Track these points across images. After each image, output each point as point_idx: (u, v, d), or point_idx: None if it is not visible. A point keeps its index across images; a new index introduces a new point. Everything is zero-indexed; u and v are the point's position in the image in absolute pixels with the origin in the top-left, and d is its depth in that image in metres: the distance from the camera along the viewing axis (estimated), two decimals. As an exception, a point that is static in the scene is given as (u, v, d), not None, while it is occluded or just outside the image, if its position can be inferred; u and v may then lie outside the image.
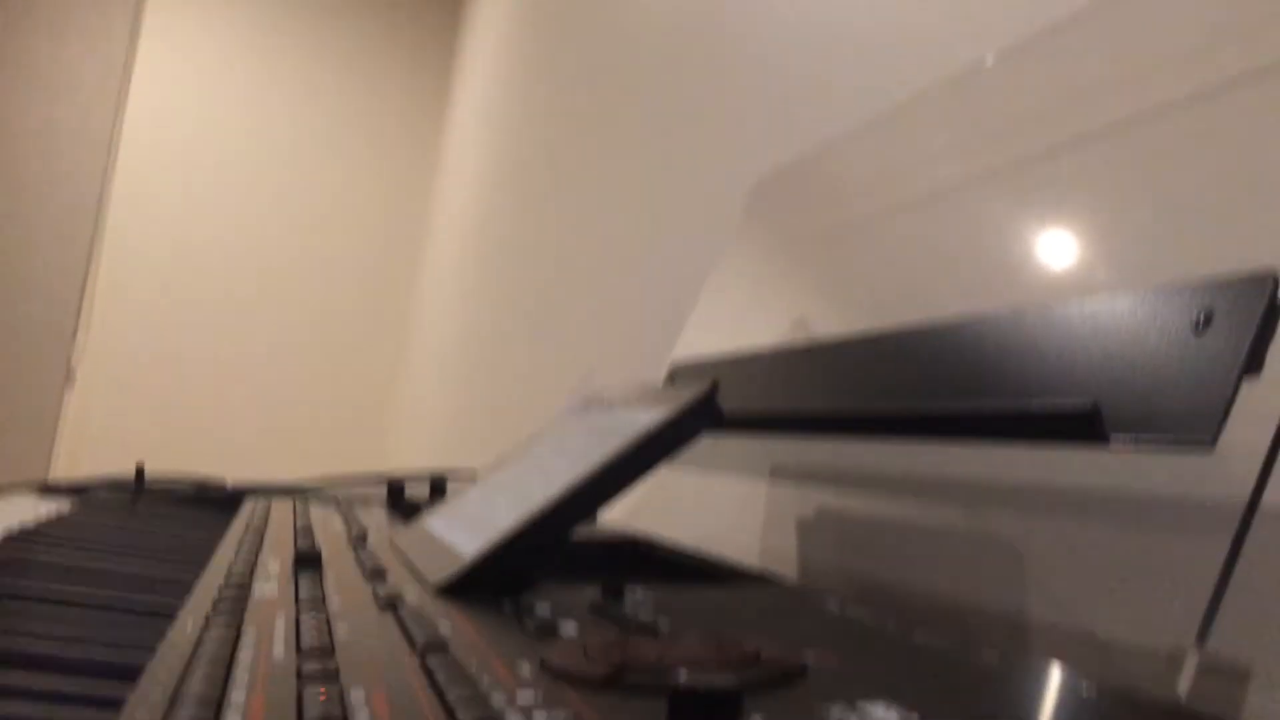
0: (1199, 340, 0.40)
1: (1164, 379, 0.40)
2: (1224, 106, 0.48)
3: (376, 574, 0.53)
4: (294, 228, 3.88)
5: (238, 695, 0.30)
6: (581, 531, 0.60)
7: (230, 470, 1.17)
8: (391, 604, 0.45)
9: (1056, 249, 0.58)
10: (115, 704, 0.29)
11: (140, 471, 1.09)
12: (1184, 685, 0.34)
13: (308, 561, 0.55)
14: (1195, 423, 0.38)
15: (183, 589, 0.51)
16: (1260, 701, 0.41)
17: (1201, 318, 0.40)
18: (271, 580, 0.51)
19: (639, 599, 0.49)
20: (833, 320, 0.77)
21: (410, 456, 3.19)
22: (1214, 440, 0.37)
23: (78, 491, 1.04)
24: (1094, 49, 0.58)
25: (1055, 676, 0.35)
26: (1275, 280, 0.38)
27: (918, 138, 0.73)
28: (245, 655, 0.35)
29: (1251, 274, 0.39)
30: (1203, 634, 0.35)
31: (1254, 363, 0.37)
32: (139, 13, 3.61)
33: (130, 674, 0.33)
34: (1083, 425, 0.42)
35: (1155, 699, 0.32)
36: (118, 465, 1.13)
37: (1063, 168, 0.57)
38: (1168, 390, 0.40)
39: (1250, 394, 0.37)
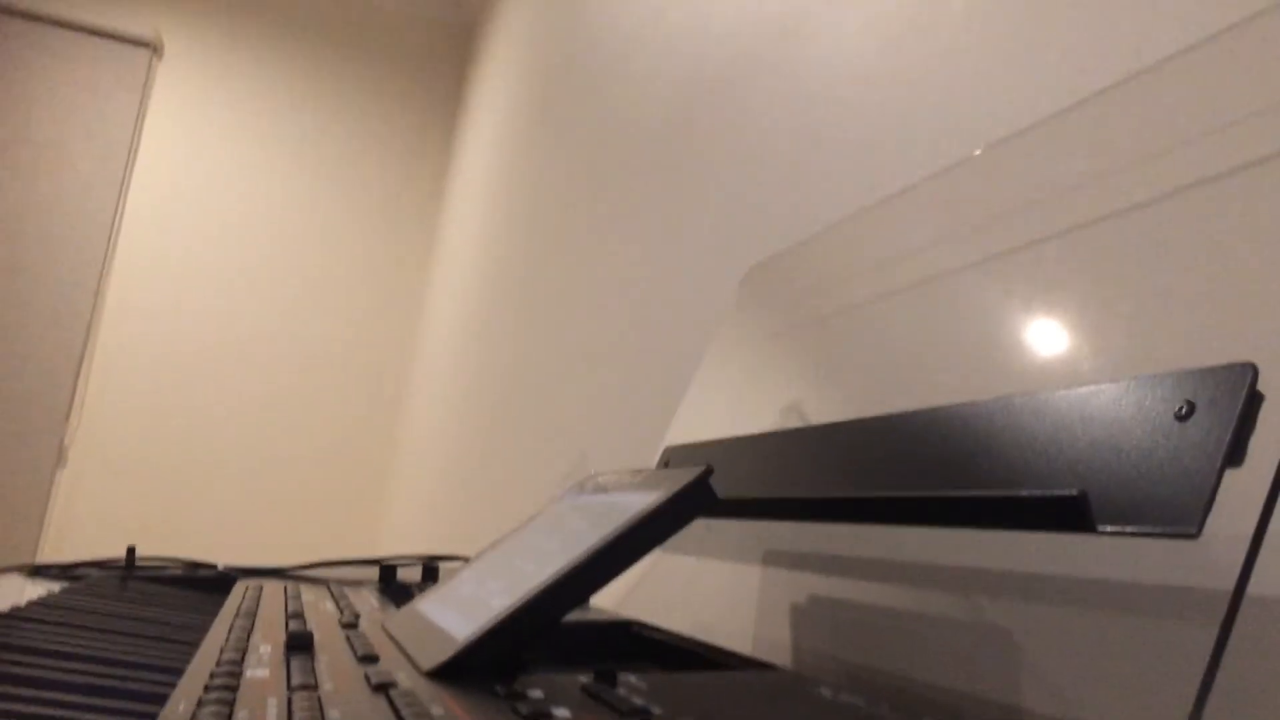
0: (1182, 430, 0.41)
1: (1149, 468, 0.41)
2: (1206, 199, 0.50)
3: (368, 657, 0.53)
4: (289, 311, 3.90)
5: (230, 779, 0.30)
6: (574, 616, 0.60)
7: (221, 554, 1.16)
8: (384, 687, 0.45)
9: (1043, 337, 0.59)
10: (107, 787, 0.29)
11: (131, 553, 1.09)
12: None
13: (300, 644, 0.55)
14: (1180, 512, 0.39)
15: (174, 671, 0.51)
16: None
17: (1184, 408, 0.41)
18: (264, 663, 0.51)
19: (633, 685, 0.49)
20: (825, 405, 0.78)
21: (402, 542, 3.17)
22: (1199, 529, 0.37)
23: (68, 572, 1.04)
24: (1079, 143, 0.60)
25: (1047, 765, 0.35)
26: (1254, 372, 0.39)
27: (908, 226, 0.74)
28: (238, 739, 0.35)
29: (1230, 365, 0.40)
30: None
31: (1237, 452, 0.38)
32: (145, 100, 3.68)
33: (122, 757, 0.33)
34: (1070, 513, 0.43)
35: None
36: (107, 547, 1.13)
37: (1049, 257, 0.59)
38: (1153, 479, 0.40)
39: (1233, 482, 0.38)
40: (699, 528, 0.65)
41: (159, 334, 3.72)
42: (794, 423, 0.79)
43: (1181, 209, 0.51)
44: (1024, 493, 0.46)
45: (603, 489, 0.68)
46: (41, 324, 3.48)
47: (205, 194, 3.85)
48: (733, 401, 0.94)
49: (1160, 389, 0.43)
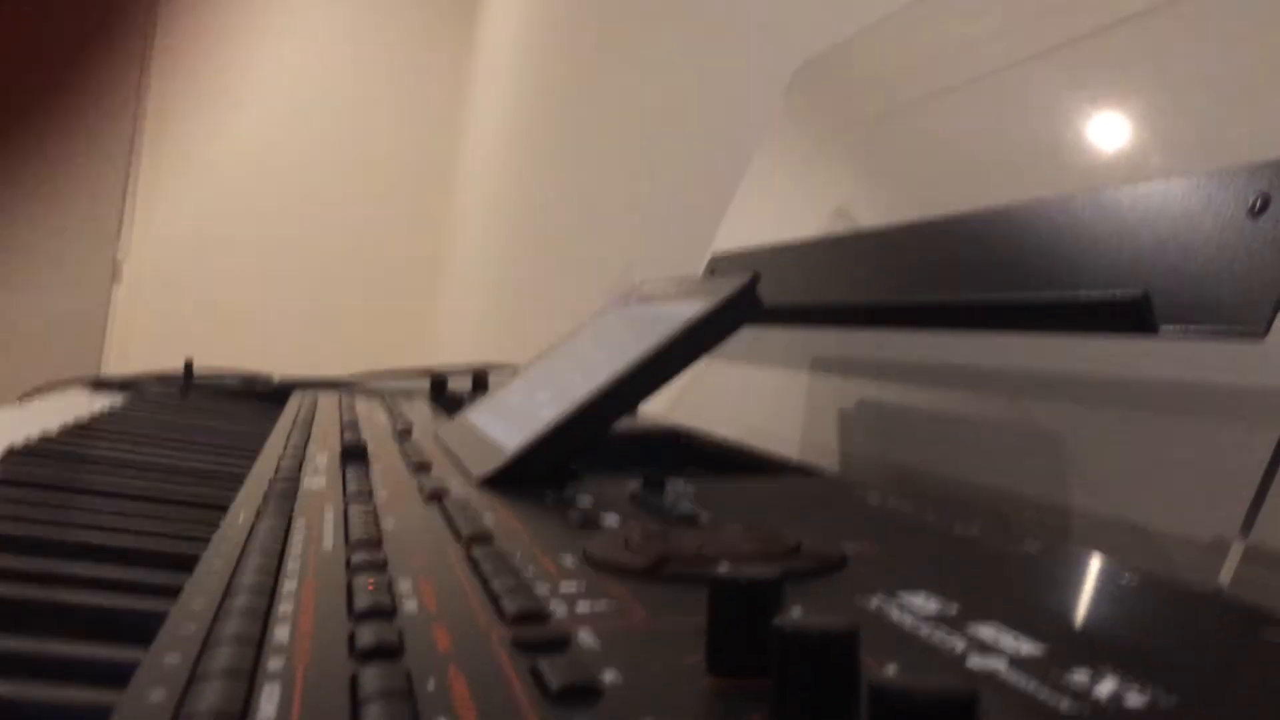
0: (1254, 225, 0.39)
1: (1216, 266, 0.39)
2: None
3: (421, 467, 0.54)
4: (335, 122, 3.86)
5: (289, 584, 0.30)
6: (623, 424, 0.61)
7: (275, 365, 1.18)
8: (437, 496, 0.45)
9: (1107, 132, 0.56)
10: (172, 592, 0.30)
11: (189, 366, 1.11)
12: (1226, 574, 0.34)
13: (354, 455, 0.56)
14: (1247, 311, 0.37)
15: (233, 481, 0.52)
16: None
17: (1258, 202, 0.39)
18: (320, 473, 0.52)
19: (680, 491, 0.50)
20: (876, 209, 0.76)
21: (452, 351, 3.22)
22: (1266, 329, 0.36)
23: (128, 386, 1.06)
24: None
25: (1096, 565, 0.35)
26: (1338, 163, 0.37)
27: (965, 18, 0.70)
28: (296, 546, 0.36)
29: (1313, 157, 0.38)
30: (1248, 524, 0.35)
31: (1312, 249, 0.36)
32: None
33: (185, 564, 0.34)
34: (1132, 315, 0.41)
35: (1197, 588, 0.32)
36: (166, 361, 1.15)
37: (1114, 47, 0.55)
38: (1220, 278, 0.39)
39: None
40: (747, 335, 0.65)
41: (203, 150, 3.71)
42: (844, 228, 0.77)
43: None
44: (1083, 294, 0.45)
45: (649, 298, 0.67)
46: (86, 143, 3.47)
47: (244, 12, 3.76)
48: (781, 207, 0.92)
49: (1233, 182, 0.41)
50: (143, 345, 3.50)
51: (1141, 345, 0.50)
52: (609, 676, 0.23)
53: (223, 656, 0.23)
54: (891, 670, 0.24)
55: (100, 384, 1.10)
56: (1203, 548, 0.45)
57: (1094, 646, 0.26)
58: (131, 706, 0.21)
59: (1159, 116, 0.54)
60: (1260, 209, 0.39)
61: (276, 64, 3.81)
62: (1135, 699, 0.22)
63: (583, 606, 0.29)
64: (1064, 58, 0.59)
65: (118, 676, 0.23)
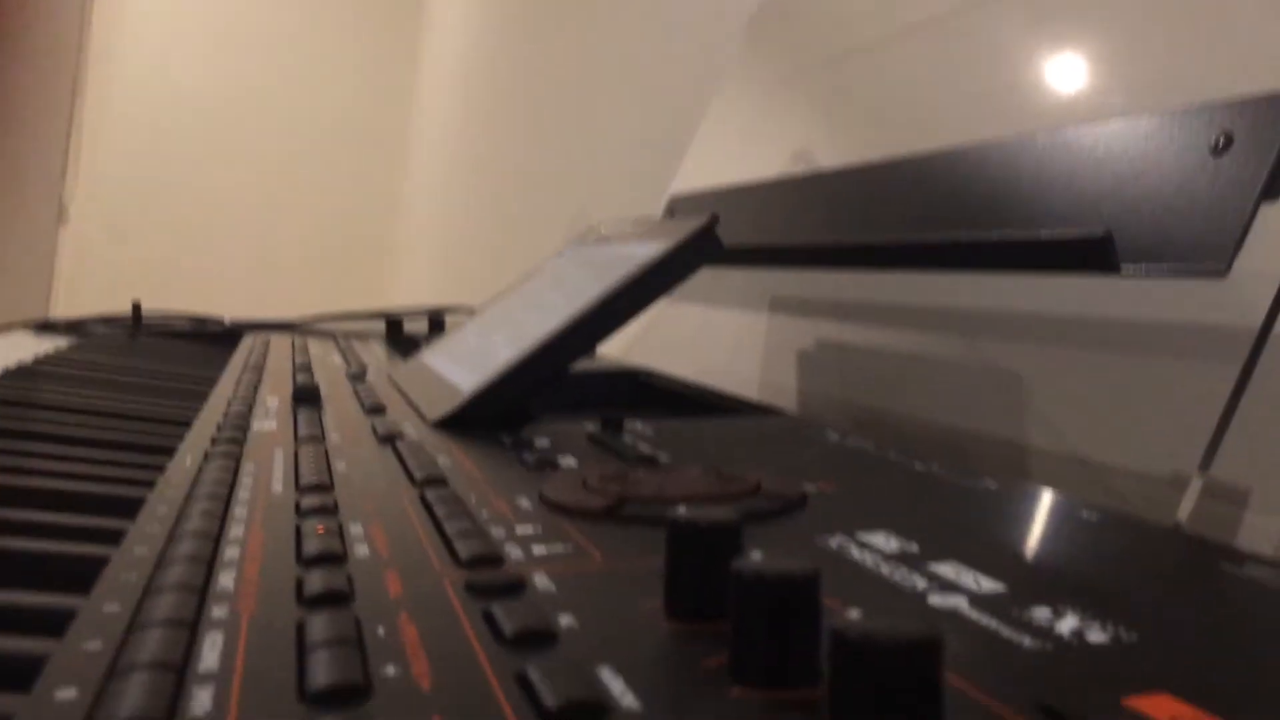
0: (1217, 163, 0.39)
1: (1179, 205, 0.39)
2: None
3: (375, 409, 0.53)
4: (288, 62, 3.76)
5: (236, 530, 0.30)
6: (581, 365, 0.60)
7: (228, 309, 1.16)
8: (390, 439, 0.44)
9: (1068, 71, 0.56)
10: (114, 538, 0.29)
11: (137, 308, 1.08)
12: (1185, 510, 0.34)
13: (307, 397, 0.55)
14: (1209, 249, 0.37)
15: (181, 426, 0.51)
16: (1259, 523, 0.42)
17: (1220, 140, 0.39)
18: (271, 416, 0.51)
19: (639, 432, 0.49)
20: (835, 149, 0.75)
21: (409, 294, 3.19)
22: (1228, 266, 0.36)
23: (75, 329, 1.04)
24: None
25: (1056, 502, 0.35)
26: (1301, 100, 0.36)
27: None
28: (244, 491, 0.35)
29: (1274, 94, 0.37)
30: (1207, 460, 0.35)
31: (1274, 186, 0.36)
32: None
33: (129, 509, 0.33)
34: (1094, 253, 0.41)
35: (1155, 524, 0.32)
36: (116, 305, 1.13)
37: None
38: (1183, 216, 0.39)
39: (1267, 218, 0.36)
40: (705, 276, 0.64)
41: (149, 87, 3.61)
42: (803, 168, 0.76)
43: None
44: (1045, 233, 0.45)
45: (607, 239, 0.66)
46: (26, 82, 3.37)
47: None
48: (740, 148, 0.91)
49: (1196, 121, 0.40)
50: (91, 288, 3.43)
51: (1103, 283, 0.50)
52: (565, 621, 0.23)
53: (164, 605, 0.23)
54: (853, 612, 0.24)
55: (46, 326, 1.07)
56: (1162, 484, 0.45)
57: (1054, 583, 0.26)
58: (66, 656, 0.20)
59: (1121, 55, 0.53)
60: (1222, 147, 0.39)
61: (225, 2, 3.71)
62: (1096, 635, 0.22)
63: (539, 550, 0.28)
64: (1027, -7, 0.58)
65: (54, 625, 0.22)
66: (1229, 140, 0.38)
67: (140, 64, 3.60)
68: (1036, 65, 0.58)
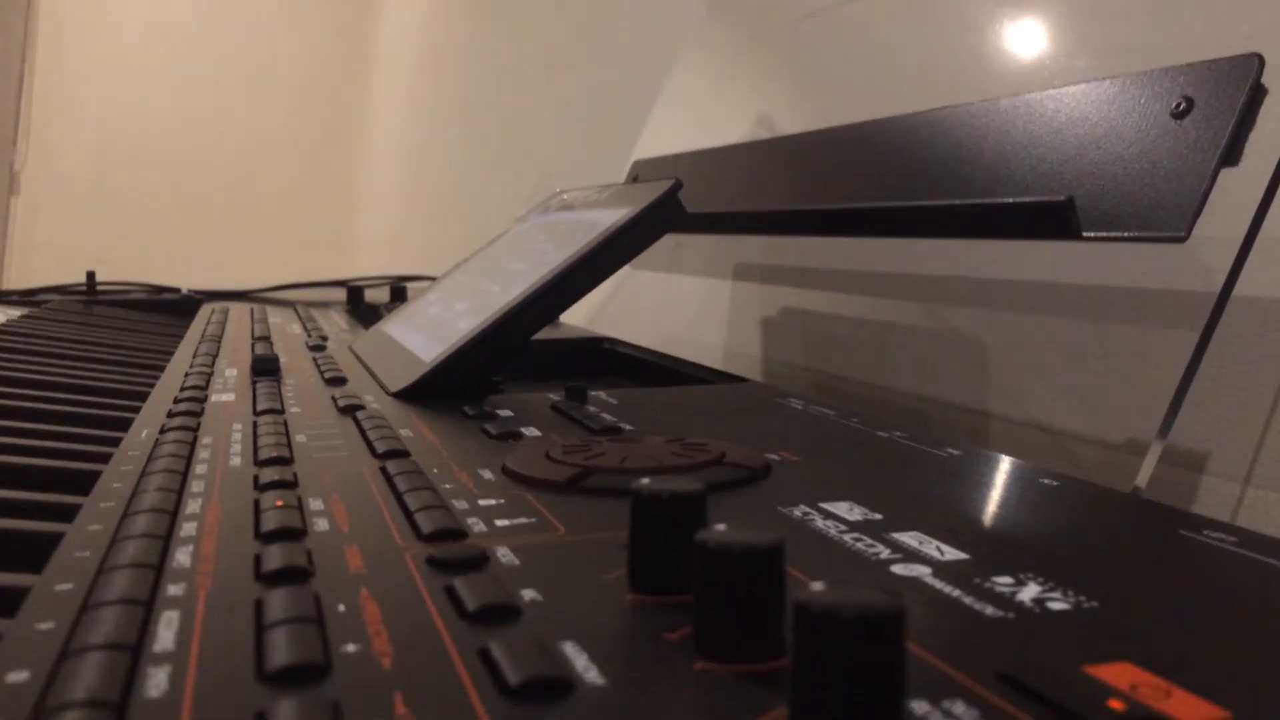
0: (1177, 127, 0.39)
1: (1140, 170, 0.39)
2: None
3: (336, 380, 0.53)
4: (245, 27, 3.69)
5: (193, 505, 0.29)
6: (544, 334, 0.59)
7: (186, 279, 1.14)
8: (351, 410, 0.44)
9: (1030, 37, 0.55)
10: (68, 514, 0.29)
11: (92, 278, 1.06)
12: (1144, 476, 0.34)
13: (266, 368, 0.54)
14: (1169, 214, 0.37)
15: (137, 398, 0.50)
16: (1217, 487, 0.42)
17: (1182, 104, 0.39)
18: (229, 388, 0.50)
19: (603, 400, 0.49)
20: (798, 116, 0.75)
21: (370, 263, 3.15)
22: (1188, 231, 0.36)
23: (27, 299, 1.02)
24: None
25: (1016, 470, 0.35)
26: (1260, 63, 0.37)
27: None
28: (201, 465, 0.34)
29: (1235, 58, 0.37)
30: (1166, 426, 0.35)
31: (1234, 150, 0.36)
32: None
33: (84, 484, 0.32)
34: (1056, 219, 0.41)
35: (1113, 490, 0.33)
36: (70, 275, 1.11)
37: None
38: (1143, 181, 0.39)
39: (1226, 183, 0.36)
40: (669, 243, 0.63)
41: (101, 51, 3.53)
42: (766, 134, 0.75)
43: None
44: (1007, 199, 0.45)
45: (569, 207, 0.65)
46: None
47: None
48: (703, 113, 0.91)
49: (1157, 85, 0.40)
50: (45, 259, 3.36)
51: (1069, 251, 0.50)
52: (528, 595, 0.22)
53: (118, 583, 0.22)
54: (817, 583, 0.24)
55: (-2, 297, 1.05)
56: (1121, 450, 0.46)
57: (1016, 551, 0.26)
58: (18, 636, 0.20)
59: (1082, 20, 0.53)
60: (1183, 111, 0.39)
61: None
62: (1058, 603, 0.22)
63: (501, 522, 0.28)
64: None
65: (6, 605, 0.22)
66: (1190, 104, 0.39)
67: (92, 28, 3.52)
68: (999, 30, 0.58)
